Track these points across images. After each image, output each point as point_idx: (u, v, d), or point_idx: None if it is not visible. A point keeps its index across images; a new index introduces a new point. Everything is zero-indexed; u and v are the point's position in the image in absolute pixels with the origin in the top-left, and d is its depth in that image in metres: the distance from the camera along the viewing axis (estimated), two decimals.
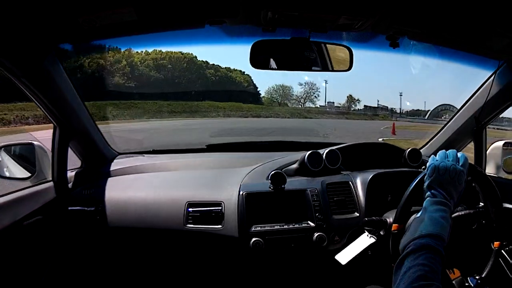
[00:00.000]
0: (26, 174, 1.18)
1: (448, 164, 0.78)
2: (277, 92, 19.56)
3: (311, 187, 1.21)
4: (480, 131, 1.35)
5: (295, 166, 1.36)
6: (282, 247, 1.13)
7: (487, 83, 1.25)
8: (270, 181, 1.17)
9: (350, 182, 1.24)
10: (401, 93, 20.41)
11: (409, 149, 1.39)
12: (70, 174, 1.29)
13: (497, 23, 0.87)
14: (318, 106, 19.82)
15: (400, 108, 19.17)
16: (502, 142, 1.39)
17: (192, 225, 1.16)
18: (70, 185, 1.26)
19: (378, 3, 0.81)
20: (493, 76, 1.21)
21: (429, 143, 1.62)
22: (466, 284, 0.87)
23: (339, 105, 20.25)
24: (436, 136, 1.58)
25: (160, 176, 1.36)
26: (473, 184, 0.96)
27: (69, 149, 1.25)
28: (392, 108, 19.44)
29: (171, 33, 1.05)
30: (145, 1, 0.81)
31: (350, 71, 1.11)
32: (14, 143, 1.25)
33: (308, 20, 0.92)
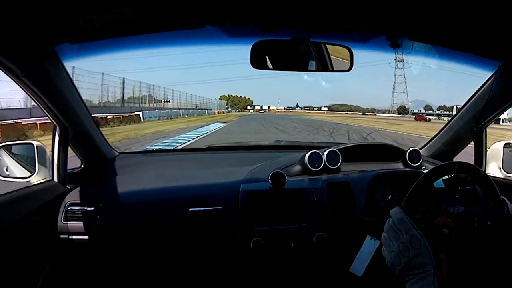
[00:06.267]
0: (26, 173, 1.18)
1: (395, 247, 0.68)
2: None
3: (311, 187, 1.21)
4: (480, 131, 1.35)
5: (295, 166, 1.36)
6: (282, 246, 1.13)
7: (487, 83, 1.25)
8: (270, 181, 1.17)
9: (350, 183, 1.24)
10: None
11: (410, 150, 1.39)
12: (70, 174, 1.29)
13: (497, 23, 0.86)
14: None
15: None
16: (503, 142, 1.39)
17: (192, 225, 1.16)
18: (70, 185, 1.26)
19: (379, 4, 0.81)
20: (493, 76, 1.21)
21: (429, 144, 1.62)
22: None
23: None
24: (437, 137, 1.57)
25: (160, 176, 1.36)
26: (475, 185, 0.96)
27: (69, 149, 1.25)
28: None
29: (171, 33, 1.05)
30: (145, 1, 0.81)
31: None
32: (14, 142, 1.25)
33: (308, 20, 0.92)
